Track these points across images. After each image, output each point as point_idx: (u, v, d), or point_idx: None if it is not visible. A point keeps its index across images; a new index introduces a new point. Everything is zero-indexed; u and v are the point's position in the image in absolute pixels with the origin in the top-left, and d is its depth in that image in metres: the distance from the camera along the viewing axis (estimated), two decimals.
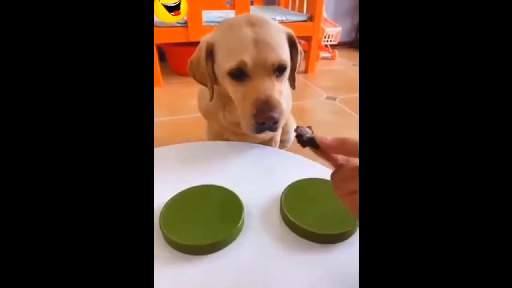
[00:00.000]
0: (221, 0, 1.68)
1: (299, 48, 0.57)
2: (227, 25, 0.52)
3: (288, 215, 0.41)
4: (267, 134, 0.70)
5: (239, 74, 0.49)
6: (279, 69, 0.50)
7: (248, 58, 0.47)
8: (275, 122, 0.48)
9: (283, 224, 0.43)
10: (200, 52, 0.53)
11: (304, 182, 0.48)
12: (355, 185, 0.29)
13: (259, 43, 0.48)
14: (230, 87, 0.52)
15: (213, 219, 0.42)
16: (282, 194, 0.45)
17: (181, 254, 0.38)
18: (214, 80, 0.54)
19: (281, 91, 0.52)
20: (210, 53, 0.52)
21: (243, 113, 0.50)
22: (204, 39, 0.53)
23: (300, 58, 0.58)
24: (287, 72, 0.53)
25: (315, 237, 0.39)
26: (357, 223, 0.39)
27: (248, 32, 0.48)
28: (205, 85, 0.56)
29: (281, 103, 0.49)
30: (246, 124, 0.50)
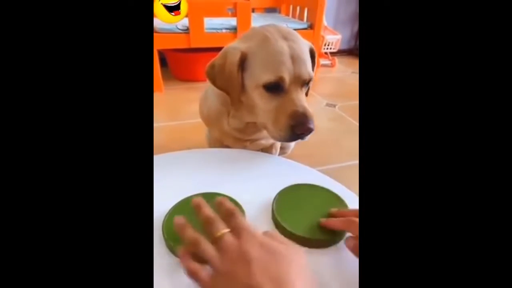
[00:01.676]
0: (223, 7, 1.70)
1: (316, 60, 0.60)
2: (262, 36, 0.52)
3: (279, 220, 0.42)
4: (261, 141, 0.73)
5: (275, 87, 0.51)
6: (307, 83, 0.54)
7: (286, 74, 0.50)
8: (311, 132, 0.51)
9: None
10: (228, 59, 0.52)
11: (294, 187, 0.49)
12: None
13: (295, 59, 0.51)
14: (261, 98, 0.53)
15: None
16: (273, 200, 0.46)
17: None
18: (241, 89, 0.54)
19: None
20: (242, 62, 0.53)
21: (276, 123, 0.52)
22: (235, 47, 0.53)
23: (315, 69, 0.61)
24: (310, 84, 0.56)
25: (308, 243, 0.40)
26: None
27: (284, 46, 0.50)
28: (226, 91, 0.56)
29: (313, 115, 0.52)
30: (279, 134, 0.53)
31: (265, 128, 0.56)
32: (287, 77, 0.50)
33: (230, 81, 0.53)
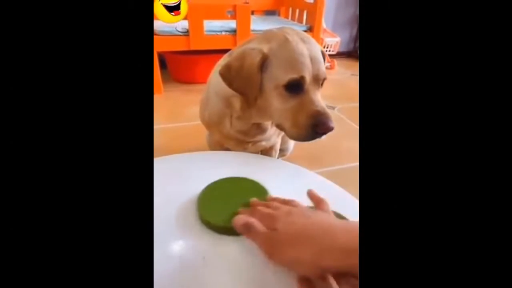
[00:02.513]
0: (222, 10, 1.71)
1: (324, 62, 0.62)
2: (282, 38, 0.52)
3: (202, 214, 0.43)
4: (261, 142, 0.74)
5: (296, 87, 0.52)
6: (322, 84, 0.56)
7: (307, 74, 0.52)
8: (331, 130, 0.53)
9: None
10: (247, 60, 0.52)
11: (221, 181, 0.50)
12: None
13: (314, 60, 0.53)
14: (280, 99, 0.53)
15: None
16: (199, 194, 0.47)
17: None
18: (260, 89, 0.55)
19: None
20: (263, 63, 0.53)
21: (296, 123, 0.53)
22: (255, 48, 0.53)
23: None
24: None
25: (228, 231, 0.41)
26: None
27: (303, 48, 0.52)
28: (243, 93, 0.56)
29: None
30: (298, 133, 0.54)
31: (282, 128, 0.57)
32: (308, 77, 0.52)
33: (249, 82, 0.53)
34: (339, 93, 1.79)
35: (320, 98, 0.55)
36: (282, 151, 0.92)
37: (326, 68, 1.90)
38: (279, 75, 0.52)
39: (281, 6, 2.25)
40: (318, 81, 0.54)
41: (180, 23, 1.57)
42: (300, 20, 1.95)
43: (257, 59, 0.51)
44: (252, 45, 0.54)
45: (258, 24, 1.75)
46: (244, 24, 1.58)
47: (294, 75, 0.51)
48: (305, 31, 1.78)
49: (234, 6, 1.56)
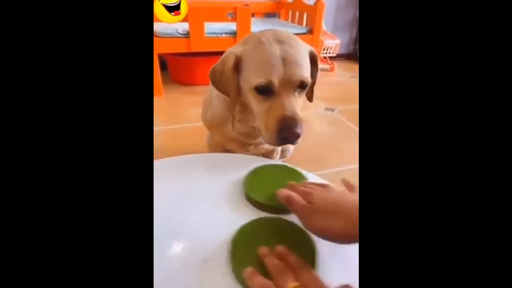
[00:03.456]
0: (223, 12, 1.72)
1: (318, 64, 0.59)
2: (256, 40, 0.53)
3: (249, 194, 0.49)
4: (263, 145, 0.74)
5: (265, 90, 0.51)
6: (302, 86, 0.53)
7: (275, 77, 0.50)
8: (298, 137, 0.51)
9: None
10: (226, 63, 0.54)
11: (264, 167, 0.57)
12: None
13: (287, 62, 0.50)
14: (254, 101, 0.54)
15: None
16: (245, 178, 0.53)
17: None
18: (238, 91, 0.56)
19: (300, 107, 0.54)
20: (237, 66, 0.54)
21: (266, 127, 0.52)
22: (232, 51, 0.54)
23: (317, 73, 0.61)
24: (307, 88, 0.56)
25: (271, 209, 0.47)
26: None
27: (277, 49, 0.50)
28: (227, 95, 0.57)
29: (302, 120, 0.52)
30: (269, 137, 0.52)
31: (259, 131, 0.56)
32: (276, 80, 0.50)
33: (227, 84, 0.55)
34: (339, 95, 1.80)
35: (295, 102, 0.52)
36: (283, 153, 0.93)
37: (326, 70, 1.88)
38: (251, 78, 0.52)
39: (281, 9, 2.26)
40: (292, 84, 0.51)
41: (180, 25, 1.57)
42: (300, 22, 1.96)
43: (231, 61, 0.53)
44: (233, 48, 0.55)
45: (258, 26, 1.76)
46: (245, 26, 1.59)
47: (261, 79, 0.50)
48: (305, 33, 1.79)
49: (235, 9, 1.57)
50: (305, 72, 0.52)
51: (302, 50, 0.53)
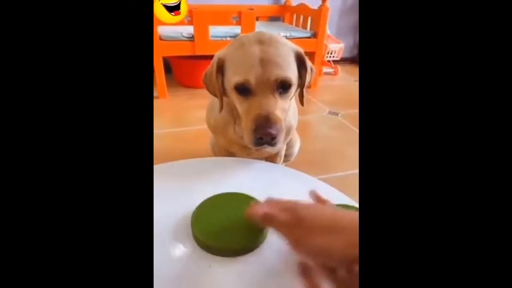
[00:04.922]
0: (228, 16, 1.73)
1: (309, 65, 0.58)
2: (238, 42, 0.54)
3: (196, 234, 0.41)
4: (265, 148, 0.71)
5: (243, 89, 0.52)
6: (283, 87, 0.52)
7: (252, 76, 0.50)
8: (273, 138, 0.50)
9: None
10: (212, 66, 0.56)
11: (213, 198, 0.48)
12: None
13: (265, 62, 0.50)
14: (236, 101, 0.55)
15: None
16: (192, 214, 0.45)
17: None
18: (224, 93, 0.58)
19: (284, 108, 0.54)
20: (221, 68, 0.55)
21: (245, 126, 0.53)
22: (217, 54, 0.56)
23: (311, 75, 0.60)
24: (292, 90, 0.55)
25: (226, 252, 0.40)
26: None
27: (256, 50, 0.51)
28: (215, 96, 0.59)
29: (281, 120, 0.51)
30: (247, 137, 0.52)
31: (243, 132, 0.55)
32: (252, 79, 0.50)
33: (214, 86, 0.57)
34: (342, 99, 1.80)
35: (273, 102, 0.51)
36: (286, 157, 0.93)
37: (330, 74, 1.88)
38: (231, 78, 0.53)
39: (285, 12, 2.27)
40: (270, 83, 0.50)
41: (185, 29, 1.59)
42: (304, 26, 1.96)
43: (215, 64, 0.55)
44: (219, 51, 0.57)
45: (263, 30, 1.77)
46: (249, 30, 1.60)
47: (239, 78, 0.51)
48: (309, 37, 1.80)
49: (239, 12, 1.58)
50: (285, 72, 0.51)
51: (283, 50, 0.52)
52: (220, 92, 0.57)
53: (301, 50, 0.56)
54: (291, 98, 0.58)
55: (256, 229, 0.41)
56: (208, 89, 0.60)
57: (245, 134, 0.53)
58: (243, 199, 0.47)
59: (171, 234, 0.42)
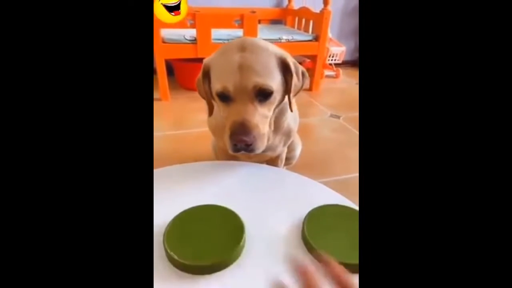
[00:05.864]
0: (230, 19, 1.74)
1: (300, 70, 0.58)
2: (223, 49, 0.55)
3: (311, 242, 0.41)
4: (266, 152, 0.71)
5: (224, 96, 0.53)
6: (263, 94, 0.52)
7: (231, 84, 0.50)
8: (248, 145, 0.50)
9: (286, 246, 0.42)
10: (200, 72, 0.58)
11: (325, 209, 0.47)
12: None
13: (243, 69, 0.50)
14: (220, 107, 0.56)
15: (215, 239, 0.42)
16: (304, 219, 0.45)
17: (183, 273, 0.38)
18: (212, 97, 0.59)
19: (265, 116, 0.53)
20: (207, 73, 0.57)
21: (225, 133, 0.53)
22: (204, 60, 0.58)
23: (304, 80, 0.59)
24: (276, 97, 0.54)
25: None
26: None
27: (236, 57, 0.51)
28: (205, 100, 0.61)
29: (258, 128, 0.51)
30: (227, 143, 0.53)
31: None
32: (231, 87, 0.50)
33: (203, 91, 0.59)
34: (344, 102, 1.79)
35: (254, 109, 0.51)
36: (288, 160, 0.92)
37: (331, 77, 1.88)
38: (214, 85, 0.54)
39: (287, 16, 2.27)
40: (248, 91, 0.50)
41: (188, 31, 1.60)
42: (306, 29, 1.97)
43: (201, 70, 0.57)
44: (208, 57, 0.58)
45: (265, 32, 1.77)
46: (251, 33, 1.60)
47: (219, 86, 0.52)
48: (311, 40, 1.80)
49: (242, 15, 1.59)
50: (264, 79, 0.51)
51: (264, 57, 0.52)
52: (208, 97, 0.58)
53: (286, 56, 0.55)
54: (279, 105, 0.58)
55: (231, 243, 0.40)
56: (200, 93, 0.62)
57: (225, 139, 0.53)
58: (219, 212, 0.46)
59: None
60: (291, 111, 0.60)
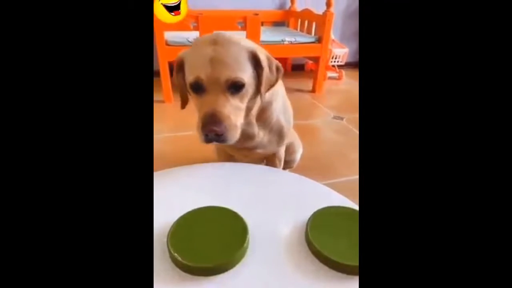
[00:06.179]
0: (233, 21, 1.74)
1: (274, 64, 0.59)
2: (196, 42, 0.57)
3: (315, 244, 0.40)
4: (257, 150, 0.73)
5: (197, 87, 0.54)
6: (234, 87, 0.53)
7: (203, 74, 0.52)
8: (218, 135, 0.51)
9: (289, 248, 0.42)
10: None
11: (329, 210, 0.47)
12: None
13: (215, 61, 0.51)
14: (193, 99, 0.58)
15: (219, 240, 0.41)
16: (308, 221, 0.44)
17: (187, 275, 0.38)
18: (187, 91, 0.60)
19: (237, 107, 0.54)
20: (181, 67, 0.59)
21: (197, 124, 0.54)
22: (178, 53, 0.60)
23: (277, 74, 0.60)
24: (248, 89, 0.55)
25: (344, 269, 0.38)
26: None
27: (208, 50, 0.52)
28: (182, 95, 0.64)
29: (230, 119, 0.52)
30: (198, 134, 0.54)
31: None
32: (204, 77, 0.52)
33: (177, 84, 0.61)
34: (347, 103, 1.79)
35: (226, 101, 0.52)
36: (288, 163, 0.92)
37: (334, 78, 1.87)
38: (187, 77, 0.56)
39: (290, 17, 2.28)
40: (220, 83, 0.52)
41: (191, 34, 1.61)
42: (309, 31, 1.97)
43: (175, 63, 0.59)
44: (183, 51, 0.60)
45: (268, 34, 1.78)
46: (254, 35, 1.61)
47: (191, 76, 0.53)
48: (313, 42, 1.80)
49: (245, 18, 1.59)
50: (235, 72, 0.52)
51: (235, 51, 0.53)
52: (182, 90, 0.61)
53: (256, 50, 0.56)
54: (254, 97, 0.59)
55: (234, 245, 0.40)
56: (177, 88, 0.64)
57: (196, 131, 0.54)
58: (222, 214, 0.45)
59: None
60: (261, 101, 0.62)
